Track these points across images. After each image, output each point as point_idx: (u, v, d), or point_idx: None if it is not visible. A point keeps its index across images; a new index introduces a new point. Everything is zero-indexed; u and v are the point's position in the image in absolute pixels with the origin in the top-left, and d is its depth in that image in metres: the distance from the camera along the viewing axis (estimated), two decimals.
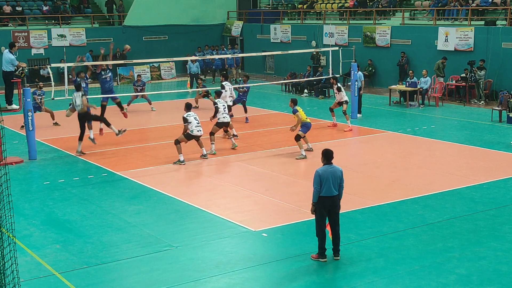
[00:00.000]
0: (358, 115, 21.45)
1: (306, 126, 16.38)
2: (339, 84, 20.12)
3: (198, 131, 15.80)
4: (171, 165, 15.57)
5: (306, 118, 16.44)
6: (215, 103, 16.90)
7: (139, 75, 25.66)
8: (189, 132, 15.73)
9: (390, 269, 9.24)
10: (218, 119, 16.72)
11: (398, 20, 29.24)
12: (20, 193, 13.33)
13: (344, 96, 19.45)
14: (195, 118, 15.85)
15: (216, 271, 9.28)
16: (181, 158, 15.71)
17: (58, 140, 18.68)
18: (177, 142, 15.80)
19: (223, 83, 19.43)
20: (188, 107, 16.06)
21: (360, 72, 22.01)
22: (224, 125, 17.05)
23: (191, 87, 28.80)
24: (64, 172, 15.15)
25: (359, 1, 31.49)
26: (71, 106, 17.81)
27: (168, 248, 10.19)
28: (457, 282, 8.80)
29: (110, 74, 19.03)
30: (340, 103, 19.56)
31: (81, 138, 16.86)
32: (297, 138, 16.21)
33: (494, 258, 9.60)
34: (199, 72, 30.50)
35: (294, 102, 16.50)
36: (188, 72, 30.83)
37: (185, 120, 15.72)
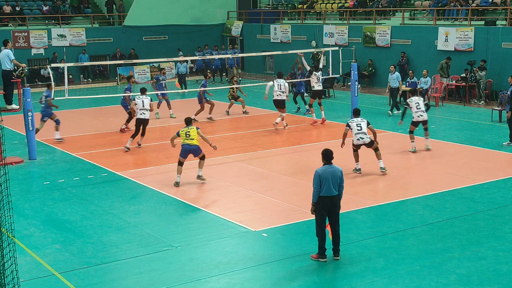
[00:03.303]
0: (390, 112, 22.28)
1: (182, 149, 13.64)
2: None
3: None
4: (172, 165, 15.53)
5: (187, 139, 13.54)
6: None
7: (163, 69, 24.19)
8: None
9: (390, 269, 9.24)
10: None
11: (398, 20, 29.23)
12: (20, 193, 13.33)
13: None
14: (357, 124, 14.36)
15: (216, 271, 9.28)
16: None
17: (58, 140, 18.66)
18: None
19: (274, 80, 19.92)
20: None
21: (397, 73, 22.63)
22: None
23: (181, 88, 28.23)
24: (64, 172, 15.15)
25: (359, 1, 31.48)
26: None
27: (168, 248, 10.19)
28: (457, 282, 8.80)
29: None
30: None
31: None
32: (179, 162, 13.74)
33: (494, 258, 9.59)
34: (187, 73, 30.28)
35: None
36: (176, 72, 30.48)
37: (348, 125, 14.39)
